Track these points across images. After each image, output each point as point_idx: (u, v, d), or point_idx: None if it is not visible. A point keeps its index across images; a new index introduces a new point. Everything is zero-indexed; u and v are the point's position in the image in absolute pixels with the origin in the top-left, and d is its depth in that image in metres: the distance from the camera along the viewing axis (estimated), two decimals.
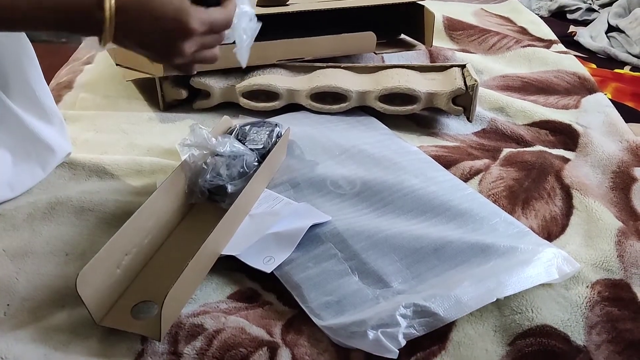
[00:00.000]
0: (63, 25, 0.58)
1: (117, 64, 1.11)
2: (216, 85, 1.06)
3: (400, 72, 1.09)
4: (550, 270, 0.71)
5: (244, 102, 1.07)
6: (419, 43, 1.24)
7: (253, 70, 1.08)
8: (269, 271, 0.70)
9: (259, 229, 0.76)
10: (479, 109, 1.10)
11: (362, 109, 1.07)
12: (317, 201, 0.82)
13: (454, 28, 1.46)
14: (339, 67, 1.11)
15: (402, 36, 1.30)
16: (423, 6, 1.20)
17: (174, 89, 1.07)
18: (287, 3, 1.15)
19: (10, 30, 0.59)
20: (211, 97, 1.07)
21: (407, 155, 0.92)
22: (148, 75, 1.05)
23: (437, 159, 0.94)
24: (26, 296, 0.69)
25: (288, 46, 1.10)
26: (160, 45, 0.61)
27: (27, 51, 0.82)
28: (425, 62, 1.30)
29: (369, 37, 1.16)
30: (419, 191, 0.83)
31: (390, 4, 1.20)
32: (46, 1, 0.56)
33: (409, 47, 1.26)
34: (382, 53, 1.23)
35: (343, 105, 1.06)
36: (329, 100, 1.06)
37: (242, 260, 0.72)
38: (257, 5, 1.12)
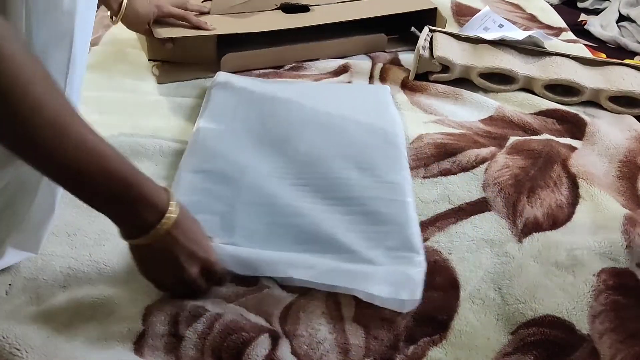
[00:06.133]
0: (111, 202, 0.59)
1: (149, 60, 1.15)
2: (457, 62, 1.10)
3: (629, 72, 1.12)
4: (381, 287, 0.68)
5: (480, 81, 1.11)
6: None
7: (491, 52, 1.14)
8: None
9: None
10: (485, 97, 1.09)
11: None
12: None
13: (462, 14, 1.44)
14: (568, 56, 1.15)
15: (413, 29, 1.30)
16: (436, 9, 1.24)
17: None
18: (308, 9, 1.19)
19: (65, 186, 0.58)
20: (450, 72, 1.11)
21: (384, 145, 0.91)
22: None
23: (443, 146, 0.93)
24: (28, 276, 0.69)
25: (306, 50, 1.18)
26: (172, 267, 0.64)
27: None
28: None
29: (380, 38, 1.24)
30: (345, 180, 0.83)
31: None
32: (117, 174, 0.57)
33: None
34: (393, 51, 1.24)
35: (574, 99, 1.10)
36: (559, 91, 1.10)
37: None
38: (281, 11, 1.18)
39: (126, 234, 0.61)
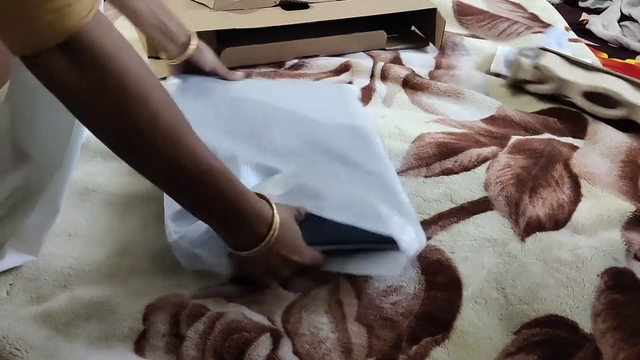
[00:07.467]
0: (223, 215, 0.59)
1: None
2: (560, 75, 1.06)
3: None
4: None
5: (582, 102, 1.05)
6: (430, 42, 1.28)
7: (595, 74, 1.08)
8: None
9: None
10: (487, 98, 1.09)
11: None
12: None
13: (463, 13, 1.44)
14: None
15: (413, 28, 1.31)
16: (435, 9, 1.23)
17: None
18: (307, 6, 1.20)
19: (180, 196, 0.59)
20: (549, 84, 1.08)
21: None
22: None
23: (445, 145, 0.93)
24: (29, 276, 0.69)
25: (305, 45, 1.18)
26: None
27: None
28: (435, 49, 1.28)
29: (380, 35, 1.23)
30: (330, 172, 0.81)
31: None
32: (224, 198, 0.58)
33: (418, 42, 1.28)
34: (392, 49, 1.24)
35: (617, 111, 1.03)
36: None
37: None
38: (281, 8, 1.19)
39: (237, 246, 0.62)
